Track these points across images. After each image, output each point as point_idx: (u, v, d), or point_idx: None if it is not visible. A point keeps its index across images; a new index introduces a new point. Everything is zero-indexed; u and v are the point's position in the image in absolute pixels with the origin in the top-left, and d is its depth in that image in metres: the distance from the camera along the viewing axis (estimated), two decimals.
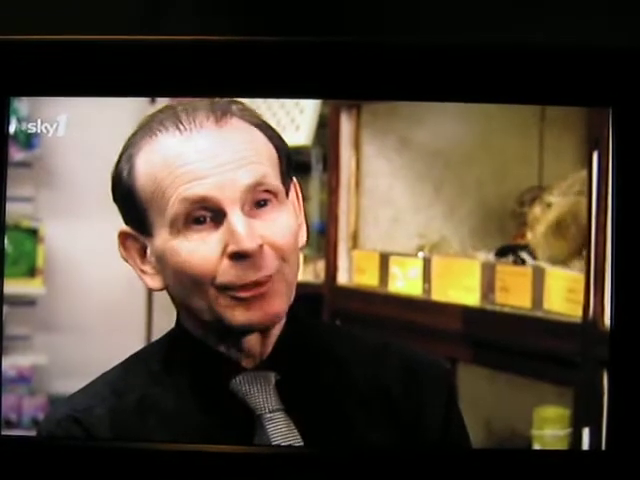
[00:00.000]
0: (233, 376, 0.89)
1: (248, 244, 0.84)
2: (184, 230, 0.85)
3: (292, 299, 0.88)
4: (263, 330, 0.89)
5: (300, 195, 0.92)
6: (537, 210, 1.24)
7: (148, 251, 0.89)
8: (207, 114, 0.87)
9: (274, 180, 0.87)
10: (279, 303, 0.87)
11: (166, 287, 0.89)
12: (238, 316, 0.86)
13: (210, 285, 0.86)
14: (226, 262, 0.85)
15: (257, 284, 0.86)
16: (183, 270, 0.86)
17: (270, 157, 0.88)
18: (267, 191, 0.86)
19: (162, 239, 0.86)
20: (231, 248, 0.85)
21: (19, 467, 0.96)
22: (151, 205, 0.86)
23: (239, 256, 0.85)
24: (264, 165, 0.86)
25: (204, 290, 0.86)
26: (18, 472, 0.96)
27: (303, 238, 0.91)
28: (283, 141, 0.90)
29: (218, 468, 0.94)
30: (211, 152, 0.85)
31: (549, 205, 1.23)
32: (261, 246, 0.85)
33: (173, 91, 0.97)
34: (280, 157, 0.89)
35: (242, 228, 0.84)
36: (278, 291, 0.86)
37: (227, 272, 0.85)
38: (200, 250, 0.85)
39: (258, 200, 0.86)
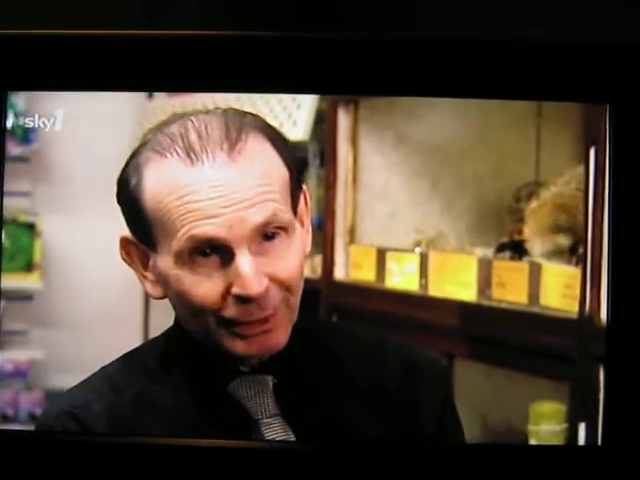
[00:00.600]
0: (230, 379, 0.89)
1: (254, 289, 0.83)
2: (189, 262, 0.84)
3: (295, 320, 0.88)
4: None
5: (309, 203, 0.91)
6: (534, 206, 1.24)
7: (151, 262, 0.88)
8: (220, 139, 0.84)
9: (285, 214, 0.85)
10: (282, 335, 0.87)
11: (166, 296, 0.88)
12: (238, 347, 0.86)
13: (213, 316, 0.85)
14: (230, 300, 0.84)
15: (261, 321, 0.85)
16: (186, 299, 0.85)
17: (282, 182, 0.86)
18: (277, 227, 0.85)
19: (166, 264, 0.85)
20: (236, 291, 0.84)
21: (16, 462, 0.96)
22: (158, 225, 0.85)
23: (244, 299, 0.84)
24: (276, 202, 0.85)
25: (206, 318, 0.86)
26: (15, 467, 0.96)
27: (309, 246, 0.90)
28: (293, 152, 0.88)
29: (215, 463, 0.94)
30: (222, 190, 0.83)
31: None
32: (267, 287, 0.84)
33: (171, 86, 0.97)
34: (292, 175, 0.87)
35: (249, 271, 0.83)
36: (282, 323, 0.86)
37: (230, 309, 0.85)
38: (205, 285, 0.84)
39: (266, 233, 0.85)
